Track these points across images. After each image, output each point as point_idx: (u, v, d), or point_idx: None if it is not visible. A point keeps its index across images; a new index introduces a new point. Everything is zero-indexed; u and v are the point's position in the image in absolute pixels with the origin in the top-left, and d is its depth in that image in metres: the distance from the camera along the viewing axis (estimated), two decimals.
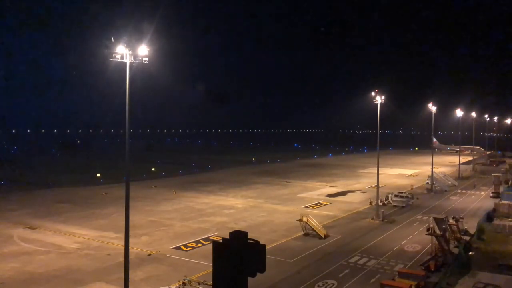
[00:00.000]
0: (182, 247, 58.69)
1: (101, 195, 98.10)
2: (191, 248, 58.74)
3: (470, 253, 57.15)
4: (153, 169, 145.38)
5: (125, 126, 38.28)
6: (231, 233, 16.15)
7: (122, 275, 37.58)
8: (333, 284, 46.47)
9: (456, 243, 59.13)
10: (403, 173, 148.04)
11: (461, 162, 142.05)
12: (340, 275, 48.86)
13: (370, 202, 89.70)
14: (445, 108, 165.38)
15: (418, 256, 55.84)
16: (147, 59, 38.83)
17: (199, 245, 60.04)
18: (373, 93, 79.48)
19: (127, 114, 38.11)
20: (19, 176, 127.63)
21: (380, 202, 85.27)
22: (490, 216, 77.34)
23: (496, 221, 72.56)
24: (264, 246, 16.09)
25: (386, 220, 75.31)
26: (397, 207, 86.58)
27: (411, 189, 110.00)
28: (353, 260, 54.39)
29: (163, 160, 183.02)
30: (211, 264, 16.25)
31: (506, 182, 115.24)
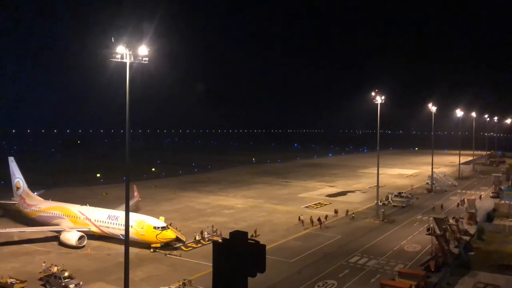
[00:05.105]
0: (182, 247, 58.66)
1: (101, 195, 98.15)
2: (191, 248, 58.73)
3: (470, 253, 57.19)
4: (153, 169, 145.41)
5: (125, 126, 38.29)
6: (231, 233, 16.16)
7: (122, 275, 37.57)
8: (333, 284, 46.45)
9: (456, 243, 59.11)
10: (403, 173, 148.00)
11: (461, 162, 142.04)
12: (340, 275, 48.84)
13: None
14: (445, 108, 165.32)
15: (418, 256, 55.82)
16: (147, 59, 38.81)
17: (199, 245, 60.03)
18: (373, 93, 79.56)
19: (127, 114, 38.09)
20: None
21: (380, 202, 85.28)
22: (490, 216, 77.39)
23: (496, 221, 72.60)
24: (264, 246, 16.10)
25: (386, 220, 75.30)
26: (397, 207, 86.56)
27: (411, 189, 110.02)
28: (353, 260, 54.37)
29: (163, 160, 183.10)
30: (211, 264, 16.25)
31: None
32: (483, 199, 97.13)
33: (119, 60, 37.58)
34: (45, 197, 75.35)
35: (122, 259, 41.09)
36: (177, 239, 58.71)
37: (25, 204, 70.67)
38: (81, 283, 44.63)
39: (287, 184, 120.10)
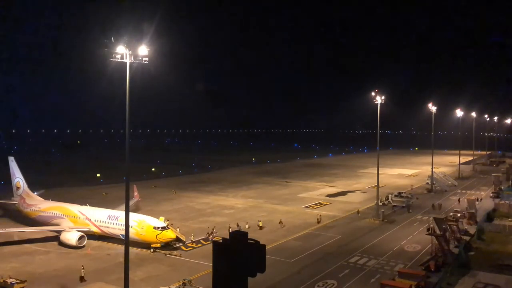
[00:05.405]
0: (182, 247, 58.66)
1: (102, 195, 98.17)
2: (191, 248, 58.74)
3: (470, 253, 57.20)
4: (153, 169, 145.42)
5: (125, 126, 38.28)
6: (231, 233, 16.19)
7: (122, 275, 37.57)
8: (333, 284, 46.46)
9: (456, 243, 59.13)
10: (403, 173, 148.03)
11: (461, 162, 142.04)
12: (340, 275, 48.86)
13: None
14: (445, 108, 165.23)
15: (418, 256, 55.83)
16: (147, 59, 38.80)
17: (199, 245, 60.05)
18: (373, 93, 79.58)
19: (127, 114, 38.08)
20: None
21: (380, 202, 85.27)
22: (490, 216, 77.39)
23: (496, 221, 72.62)
24: (264, 246, 16.12)
25: (386, 220, 75.30)
26: (397, 207, 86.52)
27: (411, 189, 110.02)
28: (353, 260, 54.38)
29: (163, 160, 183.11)
30: (211, 264, 16.26)
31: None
32: (483, 199, 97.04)
33: (119, 60, 37.57)
34: (45, 197, 75.41)
35: (122, 259, 41.10)
36: (177, 239, 58.73)
37: (25, 204, 70.66)
38: None
39: (287, 184, 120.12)
